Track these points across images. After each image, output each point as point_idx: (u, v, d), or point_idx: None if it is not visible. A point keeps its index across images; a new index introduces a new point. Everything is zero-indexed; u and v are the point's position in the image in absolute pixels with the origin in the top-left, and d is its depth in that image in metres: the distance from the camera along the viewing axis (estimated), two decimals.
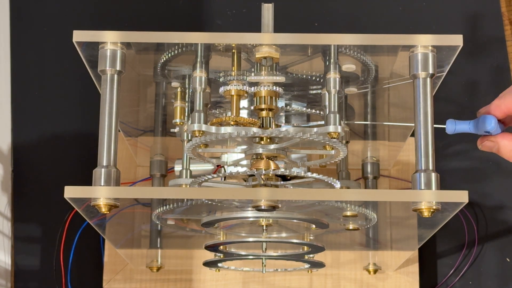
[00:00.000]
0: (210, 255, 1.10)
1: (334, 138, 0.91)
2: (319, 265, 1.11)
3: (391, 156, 1.24)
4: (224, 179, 1.01)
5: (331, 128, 0.91)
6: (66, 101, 1.34)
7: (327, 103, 0.92)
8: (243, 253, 1.10)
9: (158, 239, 1.21)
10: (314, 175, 0.92)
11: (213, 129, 0.91)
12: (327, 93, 0.92)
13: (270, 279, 1.25)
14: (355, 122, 1.14)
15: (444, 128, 0.90)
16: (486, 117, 0.87)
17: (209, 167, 1.09)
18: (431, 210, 0.84)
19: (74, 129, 1.32)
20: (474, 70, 1.36)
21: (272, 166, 0.93)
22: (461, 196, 0.84)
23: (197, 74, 0.91)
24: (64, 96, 1.34)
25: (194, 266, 1.25)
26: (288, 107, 1.05)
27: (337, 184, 0.96)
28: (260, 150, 0.94)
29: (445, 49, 0.86)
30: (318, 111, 1.03)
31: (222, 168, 1.04)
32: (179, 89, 1.03)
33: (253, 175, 0.95)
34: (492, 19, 1.38)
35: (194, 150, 0.95)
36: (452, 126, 0.84)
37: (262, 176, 0.93)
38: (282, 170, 0.94)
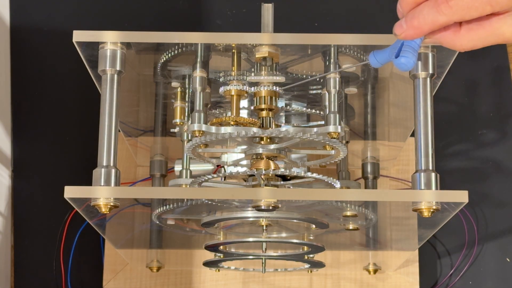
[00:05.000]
0: (210, 255, 1.10)
1: (334, 138, 0.91)
2: (319, 265, 1.11)
3: (391, 156, 1.24)
4: (224, 179, 1.01)
5: (331, 128, 0.91)
6: (66, 101, 1.34)
7: (327, 103, 0.92)
8: (243, 253, 1.10)
9: (158, 239, 1.21)
10: (314, 175, 0.92)
11: (213, 129, 0.91)
12: (327, 93, 0.92)
13: (270, 279, 1.25)
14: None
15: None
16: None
17: (209, 167, 1.09)
18: (431, 210, 0.84)
19: (74, 129, 1.32)
20: (474, 70, 1.36)
21: (272, 166, 0.93)
22: (461, 196, 0.84)
23: (197, 74, 0.91)
24: (64, 96, 1.34)
25: (194, 266, 1.25)
26: (288, 107, 1.05)
27: (337, 184, 0.96)
28: (260, 150, 0.94)
29: (445, 49, 0.86)
30: (318, 111, 1.03)
31: (222, 168, 1.04)
32: (179, 89, 1.03)
33: (253, 175, 0.95)
34: None
35: (194, 150, 0.95)
36: (374, 59, 0.71)
37: (262, 176, 0.93)
38: (282, 170, 0.94)
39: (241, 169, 0.98)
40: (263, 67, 0.92)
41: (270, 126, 0.94)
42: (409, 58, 0.64)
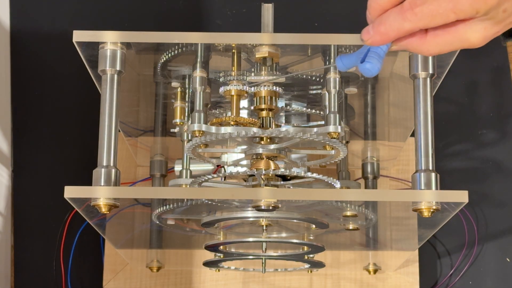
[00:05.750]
0: (210, 255, 1.10)
1: (334, 138, 0.91)
2: (319, 265, 1.11)
3: (391, 156, 1.24)
4: (224, 179, 1.01)
5: (331, 128, 0.91)
6: (66, 101, 1.34)
7: (327, 103, 0.92)
8: (243, 253, 1.10)
9: (158, 239, 1.21)
10: (314, 175, 0.92)
11: (213, 129, 0.91)
12: (327, 93, 0.92)
13: (270, 279, 1.25)
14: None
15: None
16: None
17: (209, 167, 1.09)
18: (431, 210, 0.84)
19: (74, 129, 1.32)
20: (474, 70, 1.36)
21: (272, 166, 0.93)
22: (461, 196, 0.84)
23: (197, 74, 0.91)
24: (64, 96, 1.34)
25: (194, 266, 1.25)
26: (288, 107, 1.05)
27: (337, 184, 0.96)
28: (260, 150, 0.94)
29: None
30: (318, 111, 1.03)
31: (222, 168, 1.04)
32: (179, 89, 1.03)
33: (253, 175, 0.95)
34: None
35: (194, 150, 0.95)
36: (340, 63, 0.70)
37: (262, 176, 0.93)
38: (282, 170, 0.94)
39: (241, 169, 0.98)
40: (263, 67, 0.92)
41: (270, 126, 0.94)
42: (373, 64, 0.65)
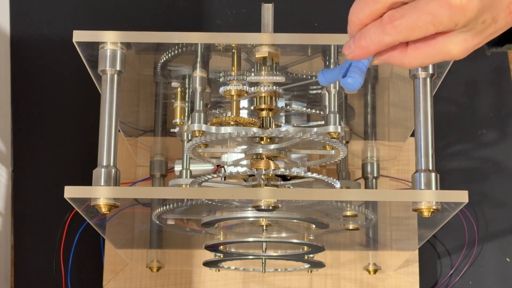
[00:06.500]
0: (210, 255, 1.10)
1: (334, 138, 0.91)
2: (319, 265, 1.11)
3: (391, 156, 1.24)
4: (224, 179, 1.01)
5: (331, 128, 0.91)
6: (66, 101, 1.34)
7: (327, 103, 0.92)
8: (243, 253, 1.10)
9: (158, 239, 1.21)
10: (314, 175, 0.92)
11: (213, 129, 0.91)
12: (327, 93, 0.92)
13: (270, 279, 1.25)
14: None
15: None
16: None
17: (209, 167, 1.09)
18: (431, 210, 0.84)
19: (74, 129, 1.32)
20: (474, 70, 1.36)
21: (272, 166, 0.93)
22: (461, 196, 0.84)
23: (197, 74, 0.91)
24: (64, 96, 1.34)
25: (194, 266, 1.25)
26: (288, 107, 1.05)
27: (337, 184, 0.96)
28: (260, 150, 0.94)
29: None
30: (318, 111, 1.03)
31: (222, 168, 1.04)
32: (179, 89, 1.03)
33: (253, 175, 0.95)
34: None
35: (194, 150, 0.95)
36: (322, 77, 0.70)
37: (262, 176, 0.93)
38: (282, 170, 0.94)
39: (241, 169, 0.98)
40: (263, 67, 0.92)
41: (270, 126, 0.94)
42: (355, 78, 0.65)
